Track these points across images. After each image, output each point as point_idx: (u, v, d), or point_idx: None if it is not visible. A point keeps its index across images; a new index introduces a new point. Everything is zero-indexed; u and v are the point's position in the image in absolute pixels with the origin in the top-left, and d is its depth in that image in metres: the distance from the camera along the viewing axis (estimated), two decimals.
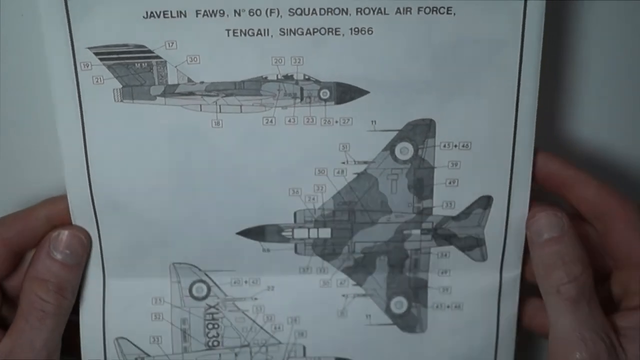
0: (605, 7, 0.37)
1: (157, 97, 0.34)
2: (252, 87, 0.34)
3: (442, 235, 0.37)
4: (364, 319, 0.38)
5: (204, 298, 0.38)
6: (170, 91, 0.34)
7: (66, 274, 0.35)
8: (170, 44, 0.33)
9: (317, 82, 0.34)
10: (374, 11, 0.33)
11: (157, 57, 0.34)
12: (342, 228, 0.37)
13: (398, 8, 0.33)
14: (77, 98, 0.34)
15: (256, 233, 0.36)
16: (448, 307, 0.38)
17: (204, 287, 0.37)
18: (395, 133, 0.35)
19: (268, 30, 0.33)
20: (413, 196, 0.36)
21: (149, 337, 0.38)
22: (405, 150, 0.35)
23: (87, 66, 0.33)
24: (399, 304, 0.38)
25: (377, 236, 0.37)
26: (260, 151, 0.35)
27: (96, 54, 0.33)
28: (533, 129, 0.35)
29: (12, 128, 0.38)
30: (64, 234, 0.36)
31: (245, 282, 0.38)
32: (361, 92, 0.34)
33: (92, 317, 0.37)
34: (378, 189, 0.36)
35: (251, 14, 0.33)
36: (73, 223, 0.36)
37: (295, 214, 0.36)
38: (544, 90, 0.34)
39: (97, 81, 0.34)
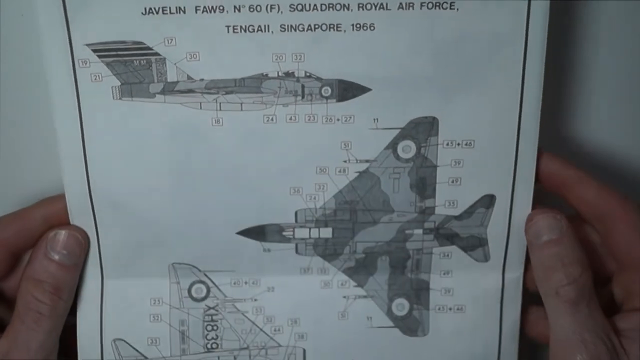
0: (609, 7, 0.37)
1: (157, 95, 0.34)
2: (253, 85, 0.34)
3: (445, 235, 0.36)
4: (365, 321, 0.38)
5: (203, 299, 0.37)
6: (169, 89, 0.34)
7: (63, 274, 0.35)
8: (169, 41, 0.33)
9: (318, 79, 0.34)
10: (375, 7, 0.33)
11: (156, 54, 0.33)
12: (343, 228, 0.36)
13: (400, 3, 0.32)
14: (75, 96, 0.33)
15: (256, 233, 0.36)
16: (450, 309, 0.37)
17: (204, 287, 0.37)
18: (397, 131, 0.35)
19: (268, 26, 0.33)
20: (415, 195, 0.36)
21: (146, 338, 0.37)
22: (407, 149, 0.35)
23: (85, 63, 0.33)
24: (401, 306, 0.37)
25: (378, 236, 0.36)
26: (260, 149, 0.35)
27: (94, 51, 0.33)
28: (537, 127, 0.34)
29: (10, 126, 0.38)
30: (61, 234, 0.35)
31: (245, 282, 0.37)
32: (363, 90, 0.34)
33: (90, 318, 0.37)
34: (380, 188, 0.36)
35: (251, 9, 0.33)
36: (71, 223, 0.36)
37: (296, 213, 0.36)
38: (548, 91, 0.34)
39: (95, 78, 0.33)
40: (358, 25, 0.33)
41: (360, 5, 0.33)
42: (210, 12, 0.33)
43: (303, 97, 0.34)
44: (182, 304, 0.37)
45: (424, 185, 0.36)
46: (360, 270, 0.37)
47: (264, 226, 0.36)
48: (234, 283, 0.37)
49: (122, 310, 0.37)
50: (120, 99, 0.34)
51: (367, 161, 0.35)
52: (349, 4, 0.33)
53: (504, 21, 0.33)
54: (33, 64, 0.36)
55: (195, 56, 0.33)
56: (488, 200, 0.36)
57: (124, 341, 0.37)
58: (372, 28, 0.33)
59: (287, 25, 0.33)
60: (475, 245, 0.37)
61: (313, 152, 0.35)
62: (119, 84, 0.33)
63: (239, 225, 0.36)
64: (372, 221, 0.36)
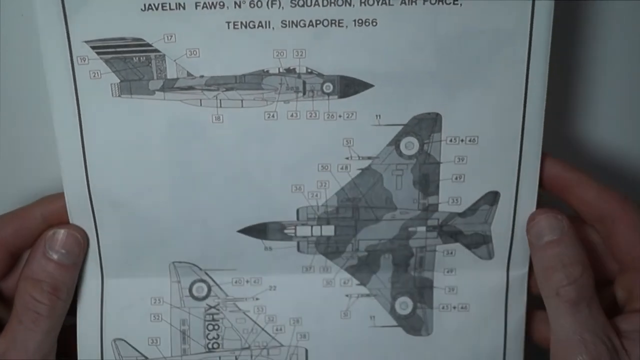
0: (615, 7, 0.36)
1: (156, 92, 0.33)
2: (254, 81, 0.33)
3: (448, 232, 0.36)
4: (368, 320, 0.37)
5: (204, 298, 0.37)
6: (169, 85, 0.33)
7: (62, 274, 0.35)
8: (169, 37, 0.33)
9: (320, 75, 0.33)
10: (378, 2, 0.32)
11: (156, 50, 0.33)
12: (345, 225, 0.36)
13: None
14: (74, 93, 0.33)
15: (258, 231, 0.36)
16: (454, 308, 0.37)
17: (205, 286, 0.37)
18: (400, 127, 0.34)
19: (269, 22, 0.32)
20: (418, 192, 0.35)
21: (147, 338, 0.37)
22: (410, 145, 0.35)
23: (84, 60, 0.33)
24: (404, 305, 0.37)
25: (381, 234, 0.36)
26: (261, 147, 0.34)
27: (93, 47, 0.33)
28: (541, 124, 0.34)
29: (9, 125, 0.37)
30: (60, 233, 0.35)
31: (247, 281, 0.37)
32: (365, 86, 0.33)
33: (90, 317, 0.36)
34: (383, 185, 0.35)
35: (252, 5, 0.32)
36: (70, 221, 0.35)
37: (297, 211, 0.35)
38: (552, 91, 0.34)
39: (94, 75, 0.33)
40: (360, 21, 0.33)
41: (362, 0, 0.32)
42: (211, 8, 0.32)
43: (304, 93, 0.34)
44: (182, 303, 0.37)
45: (427, 182, 0.35)
46: (363, 269, 0.37)
47: (266, 224, 0.36)
48: (236, 282, 0.37)
49: (123, 310, 0.36)
50: (119, 96, 0.33)
51: (369, 158, 0.35)
52: (350, 0, 0.32)
53: (508, 18, 0.33)
54: (32, 63, 0.35)
55: (195, 52, 0.33)
56: (492, 197, 0.35)
57: (124, 341, 0.37)
58: (374, 23, 0.33)
59: (288, 21, 0.32)
60: (479, 243, 0.36)
61: (315, 149, 0.34)
62: (118, 81, 0.33)
63: (240, 224, 0.36)
64: (374, 219, 0.36)
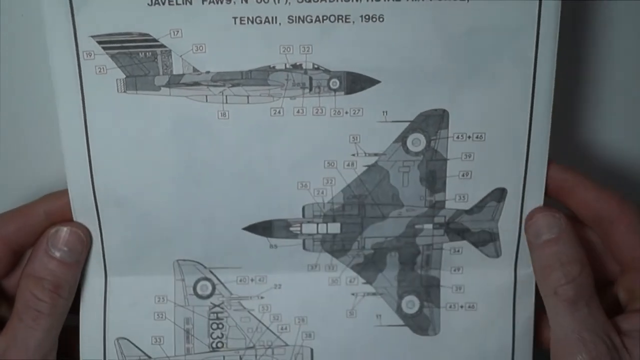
0: (622, 7, 0.36)
1: (162, 88, 0.33)
2: (260, 77, 0.33)
3: (455, 229, 0.36)
4: (374, 320, 0.37)
5: (209, 296, 0.36)
6: (175, 81, 0.33)
7: (63, 272, 0.34)
8: (176, 33, 0.32)
9: (326, 71, 0.33)
10: None
11: (162, 46, 0.33)
12: (351, 223, 0.36)
13: None
14: (79, 88, 0.33)
15: (263, 228, 0.35)
16: (461, 307, 0.37)
17: (209, 285, 0.36)
18: (407, 124, 0.34)
19: (276, 17, 0.32)
20: (425, 189, 0.35)
21: (150, 337, 0.36)
22: (417, 142, 0.34)
23: (90, 55, 0.33)
24: (411, 304, 0.37)
25: (387, 231, 0.36)
26: (267, 143, 0.34)
27: (99, 42, 0.32)
28: (549, 120, 0.34)
29: (11, 122, 0.37)
30: (63, 230, 0.35)
31: (252, 280, 0.36)
32: (372, 82, 0.33)
33: (93, 316, 0.36)
34: (389, 182, 0.35)
35: (258, 1, 0.32)
36: (74, 219, 0.35)
37: (303, 208, 0.35)
38: (558, 94, 0.34)
39: (100, 71, 0.33)
40: (367, 17, 0.33)
41: None
42: (217, 3, 0.32)
43: (311, 89, 0.33)
44: (187, 301, 0.36)
45: (433, 178, 0.35)
46: (369, 267, 0.36)
47: (271, 222, 0.35)
48: (240, 280, 0.36)
49: (126, 308, 0.36)
50: (124, 92, 0.33)
51: (375, 155, 0.34)
52: None
53: (515, 15, 0.33)
54: (33, 62, 0.36)
55: (201, 48, 0.33)
56: (499, 194, 0.35)
57: (128, 340, 0.36)
58: (381, 19, 0.33)
59: (295, 17, 0.32)
60: (486, 241, 0.36)
61: (321, 145, 0.34)
62: (124, 76, 0.33)
63: (245, 221, 0.35)
64: (381, 216, 0.35)
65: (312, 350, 0.37)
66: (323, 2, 0.32)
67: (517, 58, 0.33)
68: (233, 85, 0.33)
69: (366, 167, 0.35)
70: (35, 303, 0.34)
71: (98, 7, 0.32)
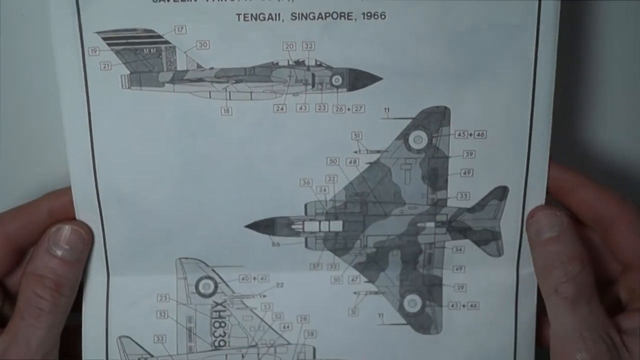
0: (622, 8, 0.37)
1: (166, 84, 0.33)
2: (263, 73, 0.33)
3: (457, 228, 0.36)
4: (376, 318, 0.37)
5: (211, 295, 0.36)
6: (179, 77, 0.33)
7: (65, 270, 0.34)
8: (180, 29, 0.33)
9: (329, 68, 0.33)
10: None
11: (166, 42, 0.33)
12: (354, 221, 0.36)
13: None
14: (83, 84, 0.33)
15: (266, 226, 0.35)
16: (464, 306, 0.37)
17: (211, 283, 0.36)
18: (409, 121, 0.34)
19: (279, 14, 0.33)
20: (427, 187, 0.35)
21: (152, 336, 0.36)
22: (419, 139, 0.35)
23: (95, 51, 0.33)
24: (413, 303, 0.37)
25: (390, 229, 0.36)
26: (270, 140, 0.34)
27: (104, 39, 0.33)
28: (550, 117, 0.34)
29: (13, 119, 0.37)
30: (64, 228, 0.35)
31: (254, 278, 0.36)
32: (374, 79, 0.34)
33: (95, 314, 0.36)
34: (391, 179, 0.35)
35: None
36: (77, 216, 0.35)
37: (306, 205, 0.35)
38: (558, 94, 0.34)
39: (104, 67, 0.33)
40: (369, 14, 0.33)
41: None
42: (221, 0, 0.32)
43: (313, 86, 0.34)
44: (189, 300, 0.36)
45: (435, 176, 0.35)
46: (371, 266, 0.36)
47: (274, 219, 0.35)
48: (243, 279, 0.36)
49: (128, 307, 0.36)
50: (129, 88, 0.33)
51: (378, 152, 0.35)
52: None
53: (515, 13, 0.33)
54: (33, 61, 0.36)
55: (205, 44, 0.33)
56: (501, 192, 0.35)
57: (130, 338, 0.36)
58: (383, 17, 0.33)
59: (298, 14, 0.33)
60: (488, 239, 0.36)
61: (323, 142, 0.34)
62: (128, 72, 0.33)
63: (247, 219, 0.35)
64: (383, 214, 0.35)
65: (314, 348, 0.37)
66: None
67: (517, 56, 0.33)
68: (236, 82, 0.33)
69: (368, 165, 0.35)
70: (36, 301, 0.34)
71: (103, 4, 0.32)
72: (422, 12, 0.33)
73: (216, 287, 0.36)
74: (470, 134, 0.34)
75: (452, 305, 0.37)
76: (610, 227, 0.34)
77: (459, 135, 0.34)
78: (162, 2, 0.32)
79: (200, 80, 0.33)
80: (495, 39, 0.33)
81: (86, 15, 0.32)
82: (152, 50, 0.33)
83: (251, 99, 0.34)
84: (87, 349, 0.36)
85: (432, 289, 0.37)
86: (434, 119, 0.34)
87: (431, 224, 0.36)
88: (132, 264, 0.36)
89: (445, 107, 0.34)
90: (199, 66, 0.33)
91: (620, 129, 0.38)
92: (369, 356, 0.37)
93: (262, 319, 0.37)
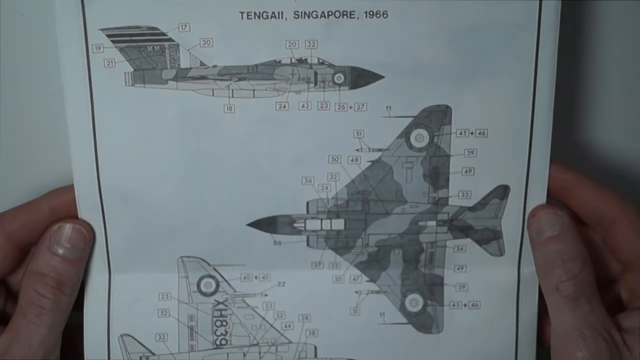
0: (622, 8, 0.37)
1: (169, 82, 0.34)
2: (266, 71, 0.34)
3: (458, 227, 0.36)
4: (377, 318, 0.37)
5: (213, 294, 0.36)
6: (182, 75, 0.34)
7: (66, 268, 0.34)
8: (184, 27, 0.33)
9: (331, 66, 0.34)
10: None
11: (170, 39, 0.33)
12: (355, 219, 0.36)
13: None
14: (87, 82, 0.33)
15: (267, 224, 0.35)
16: (465, 305, 0.37)
17: (213, 282, 0.36)
18: (410, 119, 0.34)
19: (282, 13, 0.33)
20: (428, 185, 0.35)
21: (154, 334, 0.36)
22: (420, 138, 0.35)
23: (99, 48, 0.33)
24: (414, 302, 0.37)
25: (391, 228, 0.36)
26: (272, 137, 0.34)
27: (109, 36, 0.33)
28: (551, 116, 0.34)
29: (15, 118, 0.37)
30: (66, 227, 0.35)
31: (256, 277, 0.36)
32: (376, 77, 0.34)
33: (97, 313, 0.36)
34: (393, 177, 0.35)
35: None
36: (79, 214, 0.35)
37: (307, 204, 0.35)
38: (558, 94, 0.34)
39: (108, 64, 0.33)
40: (371, 13, 0.33)
41: None
42: None
43: (316, 84, 0.34)
44: (190, 298, 0.36)
45: (437, 175, 0.35)
46: (373, 265, 0.36)
47: (275, 217, 0.35)
48: (244, 277, 0.36)
49: (130, 305, 0.36)
50: (132, 85, 0.34)
51: (379, 150, 0.35)
52: None
53: (516, 13, 0.33)
54: (33, 61, 0.36)
55: (208, 42, 0.33)
56: (502, 191, 0.35)
57: (131, 337, 0.36)
58: (385, 15, 0.33)
59: (301, 12, 0.33)
60: (489, 238, 0.36)
61: (325, 140, 0.35)
62: (132, 70, 0.33)
63: (249, 217, 0.35)
64: (384, 212, 0.36)
65: (315, 347, 0.37)
66: None
67: (518, 56, 0.34)
68: (239, 80, 0.34)
69: (370, 163, 0.35)
70: (37, 299, 0.34)
71: (108, 1, 0.32)
72: (424, 11, 0.33)
73: (217, 286, 0.36)
74: (472, 133, 0.35)
75: (454, 305, 0.37)
76: (611, 227, 0.34)
77: (460, 133, 0.35)
78: None
79: (203, 77, 0.34)
80: (496, 38, 0.33)
81: (91, 13, 0.33)
82: (155, 47, 0.33)
83: (254, 96, 0.34)
84: (88, 348, 0.36)
85: (433, 289, 0.37)
86: (436, 118, 0.34)
87: (432, 223, 0.36)
88: (134, 262, 0.36)
89: (447, 106, 0.34)
90: (202, 64, 0.33)
91: (620, 129, 0.39)
92: (370, 355, 0.37)
93: (263, 318, 0.37)
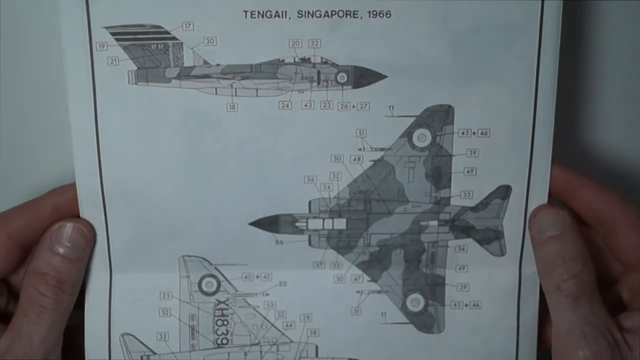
0: (624, 8, 0.37)
1: (172, 80, 0.34)
2: (269, 70, 0.34)
3: (460, 227, 0.36)
4: (379, 317, 0.37)
5: (214, 293, 0.36)
6: (185, 74, 0.34)
7: (67, 267, 0.34)
8: (187, 25, 0.33)
9: (334, 65, 0.34)
10: None
11: (174, 38, 0.33)
12: (357, 219, 0.36)
13: None
14: (91, 80, 0.33)
15: (269, 223, 0.35)
16: (466, 305, 0.37)
17: (214, 281, 0.36)
18: (413, 119, 0.35)
19: (286, 12, 0.33)
20: (430, 185, 0.35)
21: (155, 333, 0.36)
22: (422, 137, 0.35)
23: (103, 46, 0.33)
24: (416, 302, 0.37)
25: (393, 227, 0.36)
26: (275, 137, 0.34)
27: (112, 34, 0.33)
28: (552, 117, 0.34)
29: (17, 116, 0.37)
30: (66, 226, 0.35)
31: (257, 276, 0.36)
32: (379, 77, 0.34)
33: (98, 312, 0.36)
34: (395, 177, 0.35)
35: None
36: (80, 213, 0.35)
37: (309, 203, 0.35)
38: (560, 95, 0.34)
39: (112, 62, 0.33)
40: (374, 13, 0.33)
41: None
42: None
43: (319, 83, 0.34)
44: (192, 298, 0.36)
45: (439, 174, 0.35)
46: (374, 265, 0.36)
47: (277, 216, 0.35)
48: (245, 277, 0.36)
49: (131, 305, 0.36)
50: (135, 83, 0.34)
51: (382, 149, 0.35)
52: None
53: (518, 13, 0.34)
54: (32, 62, 0.36)
55: (212, 41, 0.33)
56: (504, 191, 0.35)
57: (133, 336, 0.36)
58: (388, 15, 0.33)
59: (304, 12, 0.33)
60: (491, 238, 0.36)
61: (328, 139, 0.35)
62: (135, 68, 0.33)
63: (251, 216, 0.35)
64: (386, 212, 0.36)
65: (316, 347, 0.37)
66: None
67: (520, 56, 0.34)
68: (242, 78, 0.34)
69: (372, 162, 0.35)
70: (38, 298, 0.34)
71: None
72: (427, 12, 0.33)
73: (219, 285, 0.36)
74: (474, 133, 0.35)
75: (455, 305, 0.37)
76: (611, 227, 0.35)
77: (463, 133, 0.35)
78: None
79: (206, 76, 0.34)
80: (499, 38, 0.34)
81: (95, 11, 0.33)
82: (159, 46, 0.33)
83: (257, 95, 0.34)
84: (89, 347, 0.36)
85: (435, 289, 0.37)
86: (438, 117, 0.35)
87: (434, 223, 0.36)
88: (135, 262, 0.36)
89: (449, 106, 0.34)
90: (205, 62, 0.34)
91: (620, 129, 0.39)
92: (372, 355, 0.37)
93: (264, 317, 0.36)
